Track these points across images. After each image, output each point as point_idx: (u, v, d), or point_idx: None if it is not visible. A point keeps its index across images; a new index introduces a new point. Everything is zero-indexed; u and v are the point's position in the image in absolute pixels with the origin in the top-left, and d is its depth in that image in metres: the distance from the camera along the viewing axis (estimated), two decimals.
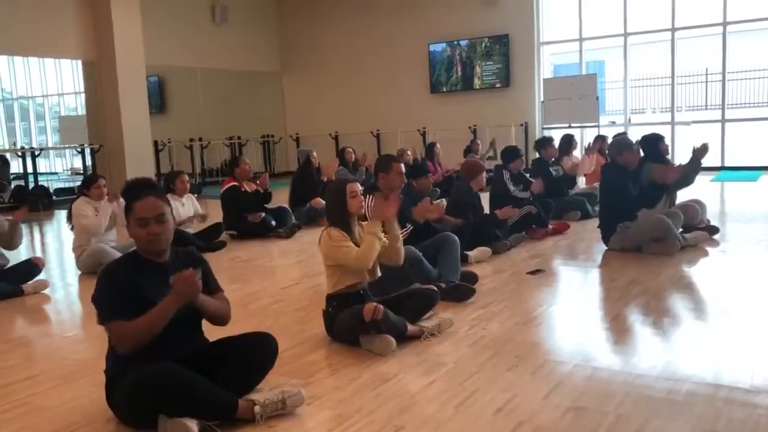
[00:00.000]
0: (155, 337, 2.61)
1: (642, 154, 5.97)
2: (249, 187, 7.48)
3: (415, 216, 4.81)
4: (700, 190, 6.44)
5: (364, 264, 3.51)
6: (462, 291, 4.35)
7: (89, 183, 5.99)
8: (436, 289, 3.91)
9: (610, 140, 9.41)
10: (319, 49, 15.98)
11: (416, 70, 14.83)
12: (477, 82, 14.26)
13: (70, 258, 6.31)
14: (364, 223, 3.66)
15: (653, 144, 6.12)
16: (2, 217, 5.22)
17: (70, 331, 4.43)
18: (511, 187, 6.67)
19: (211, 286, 2.86)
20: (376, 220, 3.56)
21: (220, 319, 2.86)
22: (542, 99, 13.65)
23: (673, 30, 12.76)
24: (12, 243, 5.31)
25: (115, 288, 2.63)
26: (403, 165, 4.81)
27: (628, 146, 5.78)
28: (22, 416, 2.90)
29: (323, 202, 8.03)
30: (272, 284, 5.29)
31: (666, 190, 5.80)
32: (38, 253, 7.20)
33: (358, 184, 3.71)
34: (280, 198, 8.35)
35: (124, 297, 2.60)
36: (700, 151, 5.71)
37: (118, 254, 5.63)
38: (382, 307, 3.40)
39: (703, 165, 5.82)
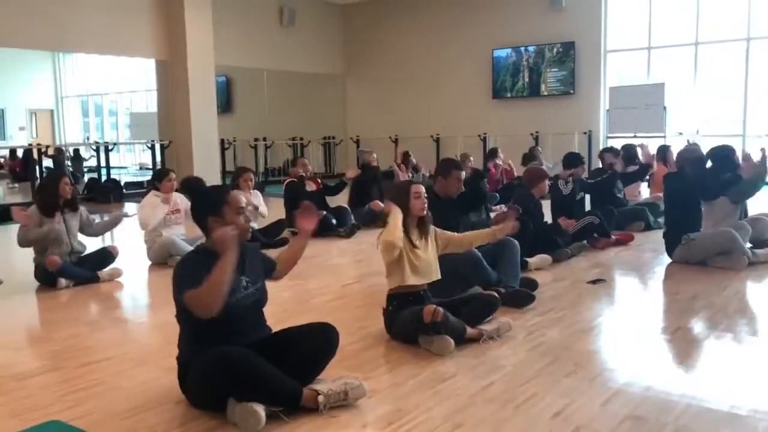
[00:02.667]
0: (228, 311, 2.71)
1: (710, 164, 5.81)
2: (310, 187, 7.67)
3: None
4: None
5: (392, 239, 3.53)
6: (521, 297, 4.36)
7: (161, 177, 6.26)
8: (497, 295, 3.94)
9: (675, 151, 9.26)
10: (381, 53, 16.15)
11: (479, 75, 14.82)
12: (543, 89, 14.14)
13: (140, 248, 6.58)
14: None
15: (723, 157, 5.91)
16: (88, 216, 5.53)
17: (141, 318, 4.65)
18: (565, 191, 6.56)
19: (270, 270, 3.12)
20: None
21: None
22: (607, 107, 13.43)
23: (748, 39, 12.37)
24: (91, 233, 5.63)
25: (190, 270, 2.76)
26: (463, 173, 4.83)
27: (698, 159, 5.65)
28: (100, 394, 3.09)
29: (382, 204, 8.19)
30: (333, 282, 5.41)
31: (736, 183, 5.58)
32: (109, 243, 7.53)
33: (422, 186, 3.78)
34: (340, 198, 8.50)
35: (197, 274, 2.68)
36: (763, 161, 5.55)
37: (187, 246, 5.89)
38: (441, 309, 3.45)
39: None
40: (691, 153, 5.76)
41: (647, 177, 8.39)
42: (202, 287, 2.63)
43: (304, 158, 8.00)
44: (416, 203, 3.66)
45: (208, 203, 2.88)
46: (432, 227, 3.83)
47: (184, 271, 2.78)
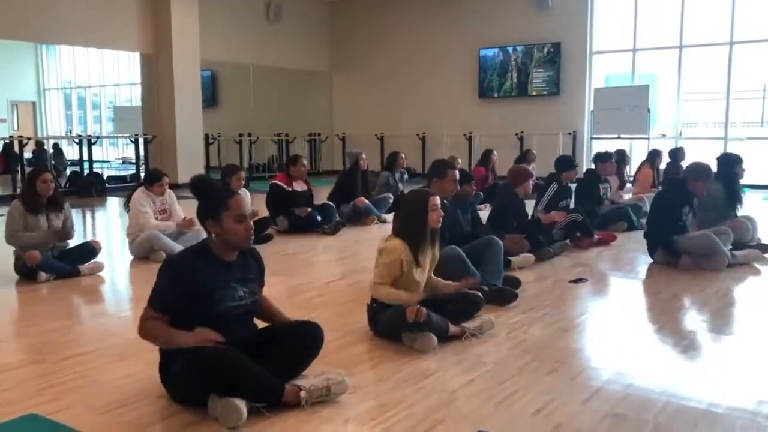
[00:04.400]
0: (218, 316, 2.75)
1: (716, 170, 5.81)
2: (300, 186, 7.62)
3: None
4: (752, 207, 6.31)
5: (379, 296, 3.60)
6: (504, 295, 4.38)
7: (153, 180, 6.13)
8: (480, 295, 3.94)
9: (664, 153, 9.35)
10: (369, 51, 16.14)
11: (465, 75, 14.86)
12: (531, 89, 14.20)
13: (122, 243, 6.53)
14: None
15: (729, 164, 5.95)
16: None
17: (123, 312, 4.61)
18: (545, 200, 6.52)
19: (261, 285, 3.05)
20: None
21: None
22: (592, 108, 13.53)
23: (731, 44, 12.51)
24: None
25: (171, 280, 2.75)
26: (457, 172, 4.84)
27: (707, 178, 5.52)
28: (81, 388, 3.06)
29: (366, 201, 8.19)
30: (316, 278, 5.40)
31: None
32: (90, 237, 7.46)
33: (438, 197, 3.70)
34: (324, 195, 8.47)
35: (177, 292, 2.71)
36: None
37: (169, 241, 5.86)
38: (425, 309, 3.45)
39: (756, 183, 5.71)
40: (701, 173, 5.53)
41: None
42: (157, 328, 2.73)
43: (302, 158, 7.87)
44: (433, 215, 3.61)
45: (208, 207, 2.85)
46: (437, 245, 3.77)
47: (166, 278, 2.76)
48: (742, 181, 6.31)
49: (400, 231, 3.64)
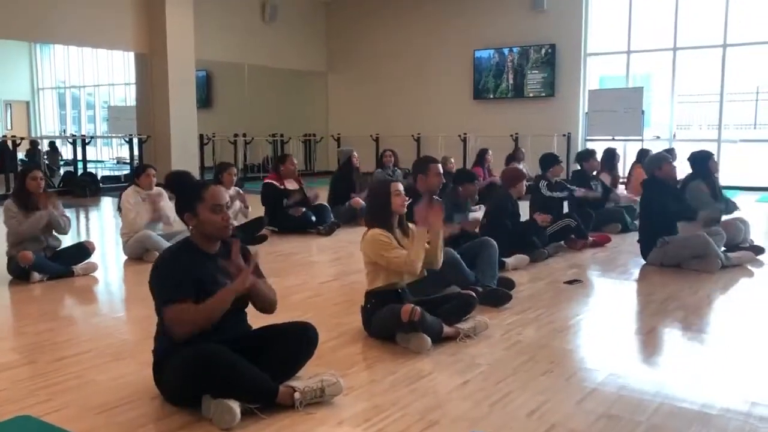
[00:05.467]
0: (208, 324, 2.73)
1: (691, 170, 5.91)
2: (291, 185, 7.62)
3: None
4: (745, 209, 6.34)
5: (412, 270, 3.57)
6: (499, 296, 4.39)
7: (140, 172, 6.18)
8: (474, 294, 3.95)
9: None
10: (364, 51, 16.13)
11: (460, 76, 14.87)
12: (527, 91, 14.22)
13: (115, 243, 6.52)
14: (412, 227, 3.68)
15: (702, 161, 6.04)
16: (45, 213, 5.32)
17: (117, 312, 4.60)
18: (547, 193, 6.64)
19: (258, 275, 2.97)
20: (423, 227, 3.60)
21: (270, 306, 2.97)
22: (586, 110, 13.56)
23: (725, 46, 12.56)
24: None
25: (173, 271, 2.74)
26: (440, 165, 4.89)
27: (665, 159, 5.75)
28: (75, 388, 3.05)
29: (362, 202, 8.19)
30: (311, 279, 5.40)
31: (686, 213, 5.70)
32: (84, 238, 7.44)
33: (401, 183, 3.78)
34: (320, 196, 8.46)
35: (183, 279, 2.71)
36: None
37: (163, 241, 5.84)
38: (419, 309, 3.46)
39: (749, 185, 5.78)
40: (657, 160, 5.80)
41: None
42: (195, 309, 2.65)
43: (292, 156, 7.88)
44: (396, 200, 3.66)
45: (183, 200, 2.86)
46: (410, 225, 3.81)
47: (167, 273, 2.74)
48: (733, 183, 6.37)
49: (369, 221, 3.74)
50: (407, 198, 3.78)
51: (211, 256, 2.84)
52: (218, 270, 2.81)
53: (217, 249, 2.88)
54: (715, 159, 6.33)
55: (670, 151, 9.33)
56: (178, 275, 2.71)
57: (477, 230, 5.63)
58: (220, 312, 2.71)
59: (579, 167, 7.89)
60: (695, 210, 5.65)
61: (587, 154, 7.85)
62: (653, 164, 5.79)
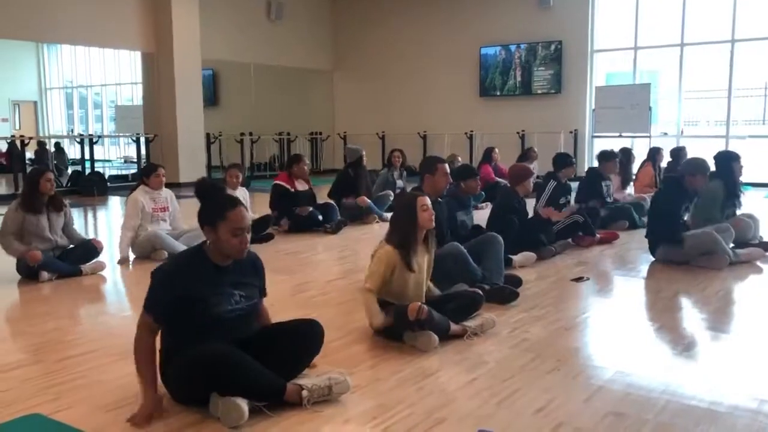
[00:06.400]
0: (215, 320, 2.75)
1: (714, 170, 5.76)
2: (302, 185, 7.62)
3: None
4: (754, 205, 6.29)
5: (367, 317, 3.60)
6: (506, 293, 4.38)
7: (149, 172, 6.18)
8: (481, 292, 3.94)
9: (666, 152, 9.35)
10: (370, 49, 16.13)
11: (466, 73, 14.85)
12: (535, 88, 14.18)
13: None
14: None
15: (725, 161, 5.89)
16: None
17: (125, 311, 4.62)
18: (544, 198, 6.53)
19: (262, 292, 3.04)
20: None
21: None
22: (593, 107, 13.51)
23: (733, 41, 12.49)
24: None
25: (164, 286, 2.76)
26: (447, 165, 4.86)
27: (704, 172, 5.53)
28: (82, 387, 3.06)
29: (368, 201, 8.19)
30: (318, 277, 5.40)
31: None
32: (92, 237, 7.46)
33: (428, 197, 3.69)
34: (324, 193, 8.47)
35: (164, 299, 2.74)
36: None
37: (172, 240, 5.86)
38: (426, 307, 3.45)
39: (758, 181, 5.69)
40: (697, 167, 5.53)
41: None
42: (140, 345, 2.76)
43: (305, 158, 7.86)
44: (424, 216, 3.60)
45: (207, 213, 2.84)
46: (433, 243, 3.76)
47: (158, 284, 2.78)
48: (743, 179, 6.29)
49: (391, 237, 3.64)
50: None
51: (221, 269, 2.83)
52: (228, 282, 2.82)
53: (230, 262, 2.87)
54: (742, 162, 5.97)
55: (681, 149, 9.29)
56: (164, 292, 2.74)
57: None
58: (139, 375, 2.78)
59: (597, 164, 7.76)
60: (682, 240, 5.47)
61: (610, 156, 7.57)
62: (690, 169, 5.56)
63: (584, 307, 4.53)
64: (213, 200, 2.95)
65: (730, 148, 6.06)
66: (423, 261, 3.69)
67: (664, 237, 5.57)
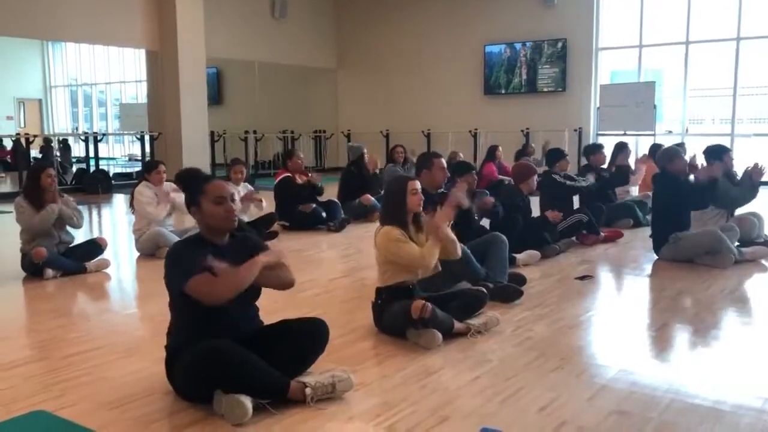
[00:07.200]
0: (215, 318, 2.74)
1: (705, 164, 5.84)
2: (300, 179, 7.65)
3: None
4: (759, 204, 6.27)
5: (425, 265, 3.59)
6: (509, 292, 4.38)
7: (150, 168, 6.22)
8: (485, 290, 3.95)
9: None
10: (374, 47, 16.12)
11: (471, 71, 14.83)
12: (540, 86, 14.15)
13: (128, 240, 6.56)
14: (425, 219, 3.69)
15: (716, 155, 5.96)
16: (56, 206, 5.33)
17: (130, 309, 4.64)
18: (567, 182, 6.56)
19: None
20: (433, 239, 3.59)
21: (289, 285, 3.04)
22: (598, 105, 13.48)
23: (738, 39, 12.45)
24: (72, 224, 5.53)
25: (185, 256, 2.77)
26: (443, 160, 4.89)
27: (677, 154, 5.68)
28: (87, 384, 3.07)
29: (372, 199, 8.19)
30: (321, 275, 5.41)
31: (716, 192, 5.60)
32: (97, 234, 7.49)
33: (418, 182, 3.76)
34: (330, 192, 8.48)
35: (195, 263, 2.71)
36: (756, 173, 5.60)
37: (175, 238, 5.85)
38: (430, 305, 3.46)
39: (763, 180, 5.70)
40: (669, 153, 5.73)
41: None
42: (221, 277, 2.67)
43: (298, 151, 7.92)
44: (413, 199, 3.66)
45: (189, 195, 2.90)
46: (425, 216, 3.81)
47: (179, 258, 2.78)
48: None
49: (384, 218, 3.73)
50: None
51: (219, 248, 2.84)
52: (226, 261, 2.81)
53: (226, 241, 2.89)
54: (732, 155, 6.16)
55: (681, 146, 9.25)
56: (190, 259, 2.73)
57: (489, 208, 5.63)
58: (245, 280, 2.71)
59: (587, 161, 7.82)
60: (708, 197, 5.53)
61: (594, 148, 7.81)
62: (664, 158, 5.73)
63: (588, 305, 4.52)
64: (191, 182, 2.99)
65: (729, 148, 6.16)
66: (420, 238, 3.70)
67: (673, 226, 5.54)
